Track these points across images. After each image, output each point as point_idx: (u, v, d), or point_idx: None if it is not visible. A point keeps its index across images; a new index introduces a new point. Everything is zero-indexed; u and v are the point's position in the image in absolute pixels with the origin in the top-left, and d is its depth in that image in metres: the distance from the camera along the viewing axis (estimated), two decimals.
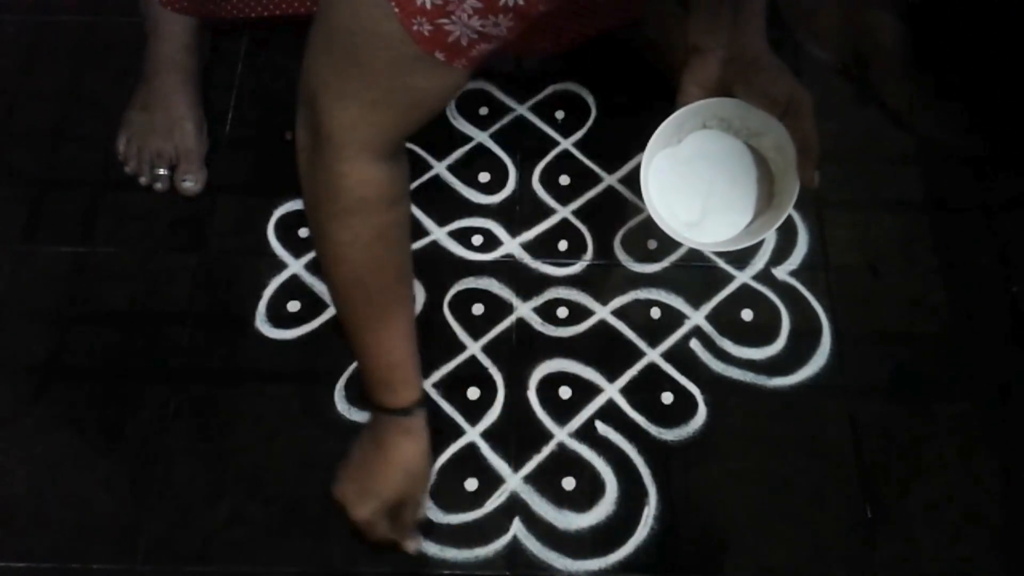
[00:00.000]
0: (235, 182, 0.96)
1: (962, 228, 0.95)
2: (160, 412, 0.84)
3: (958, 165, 0.98)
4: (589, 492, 0.80)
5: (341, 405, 0.84)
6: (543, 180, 0.96)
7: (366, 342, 0.72)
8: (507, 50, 0.91)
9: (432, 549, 0.78)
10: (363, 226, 0.65)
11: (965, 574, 0.78)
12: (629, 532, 0.79)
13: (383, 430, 0.75)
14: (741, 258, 0.92)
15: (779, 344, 0.87)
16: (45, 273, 0.91)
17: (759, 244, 0.92)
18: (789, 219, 0.93)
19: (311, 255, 0.91)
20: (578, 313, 0.89)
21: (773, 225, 0.78)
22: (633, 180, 0.96)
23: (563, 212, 0.94)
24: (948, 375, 0.86)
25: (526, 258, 0.92)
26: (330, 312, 0.88)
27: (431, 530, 0.78)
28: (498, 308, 0.89)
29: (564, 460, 0.82)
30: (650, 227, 0.93)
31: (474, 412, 0.84)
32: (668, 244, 0.91)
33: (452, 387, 0.85)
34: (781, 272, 0.91)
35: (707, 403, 0.84)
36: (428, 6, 0.54)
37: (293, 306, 0.89)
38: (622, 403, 0.84)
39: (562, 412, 0.84)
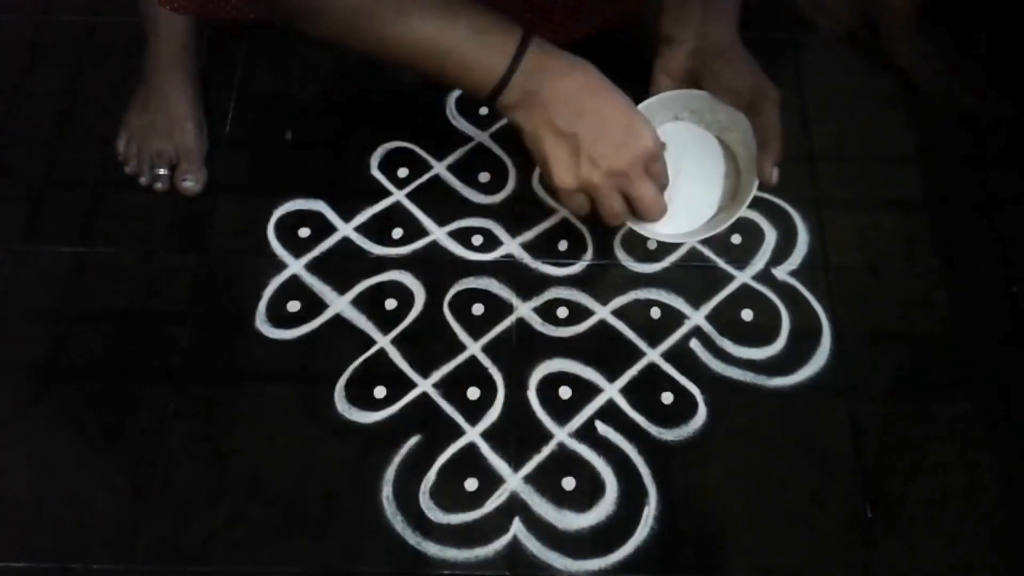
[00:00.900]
0: (235, 182, 0.96)
1: (962, 228, 0.95)
2: (160, 412, 0.84)
3: (958, 165, 0.98)
4: (589, 492, 0.80)
5: (341, 405, 0.84)
6: (543, 180, 0.96)
7: (427, 35, 0.63)
8: None
9: (432, 549, 0.78)
10: None
11: (965, 574, 0.78)
12: (629, 532, 0.79)
13: (551, 74, 0.65)
14: (741, 258, 0.92)
15: (779, 344, 0.87)
16: (45, 273, 0.91)
17: (759, 244, 0.92)
18: (789, 219, 0.94)
19: (311, 255, 0.91)
20: (578, 313, 0.89)
21: (728, 221, 0.78)
22: None
23: (563, 212, 0.94)
24: (948, 375, 0.86)
25: (526, 258, 0.92)
26: (330, 312, 0.88)
27: (431, 530, 0.79)
28: (498, 308, 0.89)
29: (564, 460, 0.82)
30: None
31: (474, 412, 0.84)
32: (663, 243, 0.91)
33: (452, 387, 0.85)
34: (781, 272, 0.91)
35: (707, 403, 0.84)
36: None
37: (293, 306, 0.89)
38: (622, 403, 0.84)
39: (562, 412, 0.84)
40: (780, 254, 0.92)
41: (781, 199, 0.95)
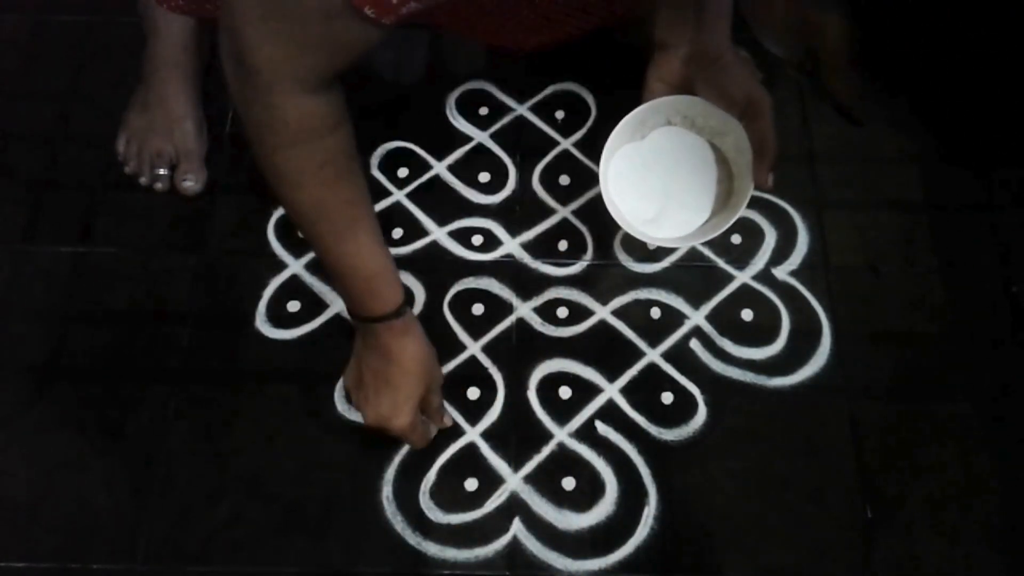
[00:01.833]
0: (235, 182, 0.96)
1: (962, 228, 0.95)
2: (160, 412, 0.84)
3: (958, 165, 0.98)
4: (589, 492, 0.80)
5: (341, 405, 0.84)
6: (543, 180, 0.96)
7: (339, 257, 0.72)
8: (501, 45, 0.91)
9: (432, 549, 0.78)
10: (310, 155, 0.66)
11: (965, 574, 0.78)
12: (629, 532, 0.79)
13: (383, 343, 0.75)
14: (741, 258, 0.92)
15: (779, 344, 0.87)
16: (45, 273, 0.91)
17: (759, 244, 0.92)
18: (789, 219, 0.94)
19: (311, 255, 0.91)
20: (578, 313, 0.89)
21: (724, 225, 0.79)
22: None
23: (563, 212, 0.94)
24: (948, 375, 0.86)
25: (526, 258, 0.92)
26: (330, 312, 0.88)
27: (431, 530, 0.79)
28: (498, 308, 0.89)
29: (564, 460, 0.82)
30: None
31: (474, 412, 0.84)
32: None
33: (452, 387, 0.85)
34: (781, 272, 0.91)
35: (707, 403, 0.84)
36: None
37: (293, 306, 0.89)
38: (622, 403, 0.84)
39: (562, 412, 0.84)
40: (780, 254, 0.92)
41: (781, 199, 0.95)
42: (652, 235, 0.81)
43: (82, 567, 0.77)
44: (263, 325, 0.88)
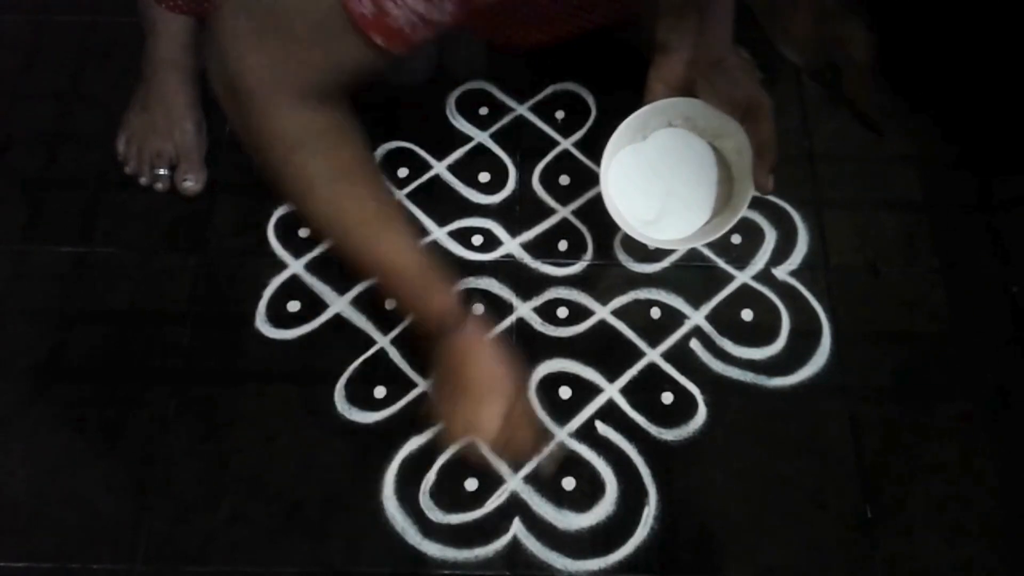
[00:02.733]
0: (235, 182, 0.96)
1: (962, 228, 0.95)
2: (160, 412, 0.84)
3: (958, 165, 0.98)
4: (589, 492, 0.80)
5: (341, 405, 0.84)
6: (543, 180, 0.96)
7: (382, 259, 0.69)
8: (502, 41, 0.91)
9: (432, 549, 0.78)
10: (321, 159, 0.63)
11: (965, 574, 0.78)
12: (629, 532, 0.79)
13: (454, 354, 0.74)
14: (741, 258, 0.92)
15: (779, 344, 0.87)
16: (45, 273, 0.91)
17: (759, 244, 0.92)
18: (789, 219, 0.94)
19: (311, 255, 0.91)
20: (578, 313, 0.89)
21: (725, 227, 0.80)
22: None
23: (563, 212, 0.94)
24: (948, 375, 0.86)
25: (526, 258, 0.92)
26: (330, 312, 0.88)
27: (431, 530, 0.79)
28: (498, 308, 0.89)
29: (564, 460, 0.82)
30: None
31: None
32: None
33: None
34: (781, 272, 0.91)
35: (707, 403, 0.84)
36: None
37: (293, 306, 0.89)
38: (622, 403, 0.84)
39: (562, 412, 0.84)
40: (780, 254, 0.92)
41: (781, 199, 0.95)
42: (652, 236, 0.82)
43: (82, 567, 0.77)
44: (263, 325, 0.88)
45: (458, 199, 0.95)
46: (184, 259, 0.91)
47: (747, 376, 0.86)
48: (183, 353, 0.86)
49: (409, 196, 0.95)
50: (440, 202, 0.95)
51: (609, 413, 0.84)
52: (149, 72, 0.95)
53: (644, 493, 0.80)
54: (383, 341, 0.87)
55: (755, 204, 0.94)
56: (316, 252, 0.91)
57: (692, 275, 0.91)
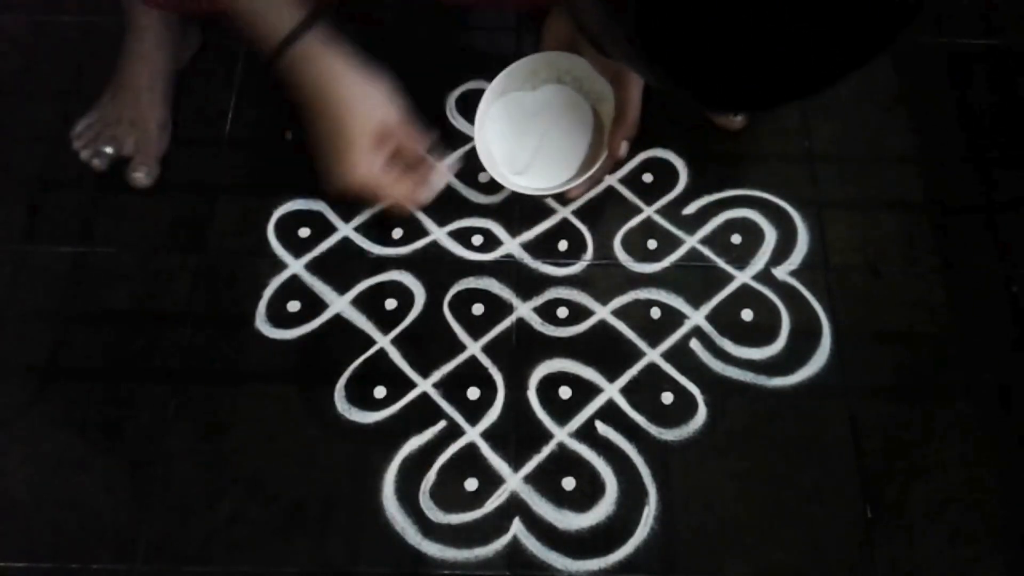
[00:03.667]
0: (235, 182, 0.96)
1: (962, 228, 0.95)
2: (160, 412, 0.84)
3: (958, 165, 0.98)
4: (589, 492, 0.80)
5: (341, 405, 0.84)
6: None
7: None
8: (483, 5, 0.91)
9: (432, 549, 0.78)
10: None
11: (965, 574, 0.78)
12: (629, 532, 0.79)
13: (306, 82, 0.68)
14: (741, 258, 0.92)
15: (779, 344, 0.87)
16: (45, 273, 0.91)
17: (759, 244, 0.92)
18: (789, 219, 0.94)
19: (311, 255, 0.91)
20: (578, 313, 0.89)
21: (570, 185, 0.84)
22: (635, 180, 0.96)
23: (563, 212, 0.94)
24: (948, 375, 0.86)
25: (526, 258, 0.92)
26: (330, 312, 0.88)
27: (431, 530, 0.79)
28: (498, 308, 0.89)
29: (564, 460, 0.82)
30: (650, 227, 0.93)
31: (474, 412, 0.84)
32: (665, 243, 0.92)
33: (452, 387, 0.85)
34: (781, 272, 0.91)
35: (707, 403, 0.84)
36: None
37: (293, 306, 0.89)
38: (622, 403, 0.84)
39: (562, 412, 0.84)
40: (780, 254, 0.92)
41: (781, 199, 0.95)
42: (516, 182, 0.85)
43: (82, 567, 0.77)
44: (263, 325, 0.88)
45: (458, 199, 0.95)
46: (184, 259, 0.91)
47: (747, 376, 0.86)
48: (183, 353, 0.86)
49: None
50: (440, 202, 0.94)
51: (609, 413, 0.84)
52: (122, 65, 0.95)
53: (644, 493, 0.80)
54: (383, 341, 0.87)
55: (755, 204, 0.94)
56: (316, 252, 0.91)
57: (692, 275, 0.91)
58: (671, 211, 0.94)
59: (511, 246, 0.92)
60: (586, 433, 0.83)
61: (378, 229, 0.93)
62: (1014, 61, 1.05)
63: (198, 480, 0.81)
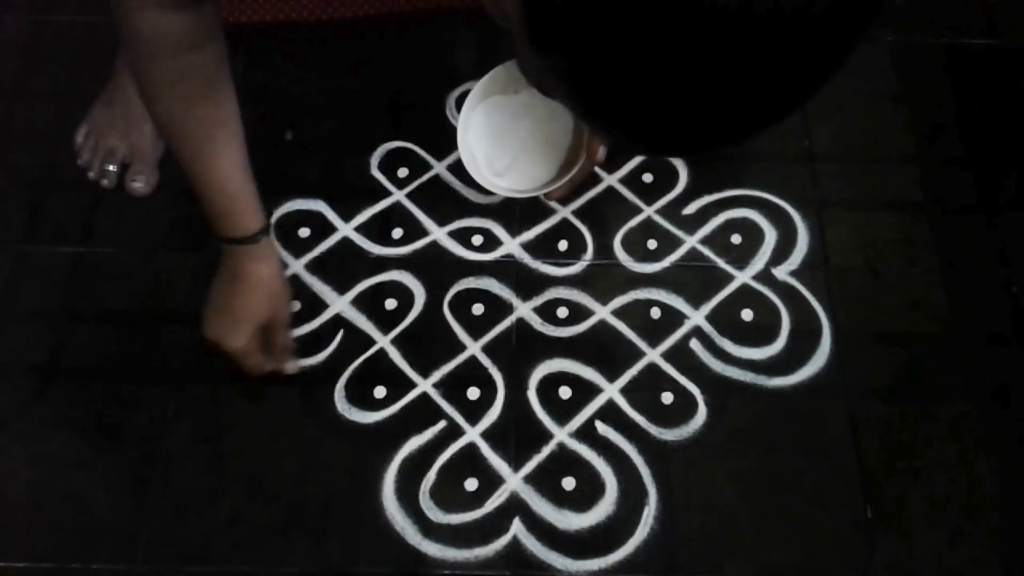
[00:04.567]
0: None
1: (962, 228, 0.95)
2: (160, 412, 0.83)
3: (958, 165, 0.98)
4: (589, 492, 0.80)
5: (341, 405, 0.84)
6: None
7: (198, 173, 0.74)
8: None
9: (432, 549, 0.78)
10: (164, 69, 0.67)
11: (965, 574, 0.78)
12: (629, 532, 0.79)
13: (236, 263, 0.79)
14: (741, 258, 0.92)
15: (779, 344, 0.87)
16: (45, 273, 0.90)
17: (759, 244, 0.92)
18: (789, 219, 0.94)
19: (311, 255, 0.91)
20: (578, 313, 0.89)
21: (551, 187, 0.85)
22: (634, 180, 0.96)
23: (563, 212, 0.94)
24: (948, 375, 0.86)
25: (526, 258, 0.92)
26: (330, 312, 0.88)
27: (431, 530, 0.79)
28: (498, 308, 0.89)
29: (564, 460, 0.82)
30: (650, 227, 0.93)
31: (474, 412, 0.84)
32: (665, 242, 0.92)
33: (452, 387, 0.85)
34: (781, 272, 0.91)
35: (707, 403, 0.84)
36: None
37: (293, 306, 0.88)
38: (622, 403, 0.84)
39: (562, 412, 0.84)
40: (780, 254, 0.92)
41: (781, 199, 0.95)
42: (497, 183, 0.86)
43: (82, 567, 0.77)
44: None
45: (458, 199, 0.95)
46: (184, 259, 0.91)
47: (747, 376, 0.86)
48: (183, 353, 0.86)
49: (409, 196, 0.95)
50: (440, 202, 0.95)
51: (609, 413, 0.84)
52: (118, 69, 0.95)
53: (644, 493, 0.80)
54: (383, 341, 0.87)
55: (755, 204, 0.94)
56: (316, 252, 0.92)
57: (692, 275, 0.91)
58: (671, 211, 0.94)
59: (511, 246, 0.92)
60: (586, 433, 0.83)
61: (378, 229, 0.93)
62: (1014, 61, 1.05)
63: (198, 480, 0.81)
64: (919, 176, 0.97)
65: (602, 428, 0.83)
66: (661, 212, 0.94)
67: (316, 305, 0.89)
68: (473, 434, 0.83)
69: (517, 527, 0.79)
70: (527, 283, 0.90)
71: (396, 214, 0.94)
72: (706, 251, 0.92)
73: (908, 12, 1.08)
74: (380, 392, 0.84)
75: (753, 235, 0.93)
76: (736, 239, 0.93)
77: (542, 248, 0.92)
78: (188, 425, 0.83)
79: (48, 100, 1.00)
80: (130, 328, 0.88)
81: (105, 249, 0.92)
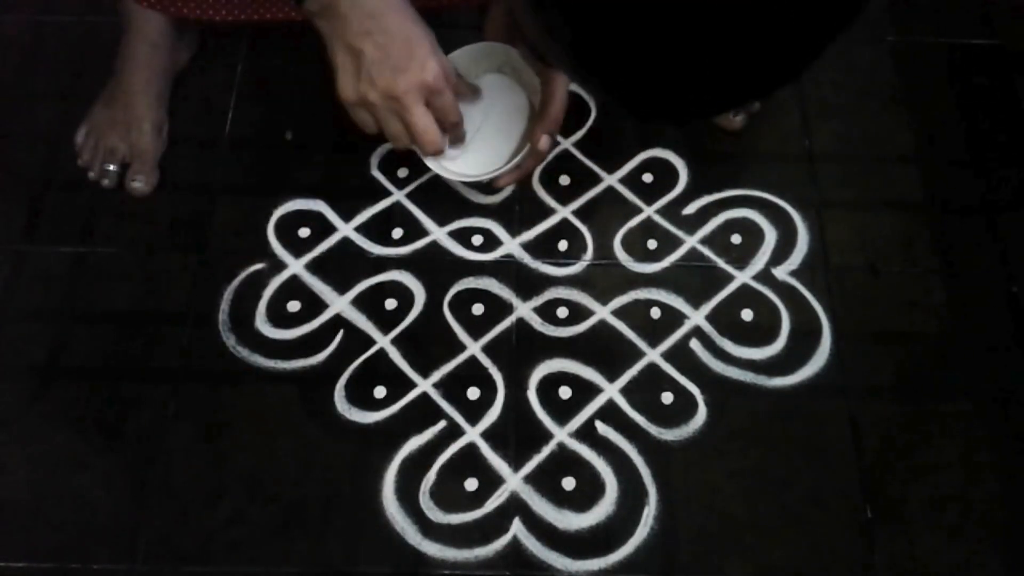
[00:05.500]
0: (235, 182, 0.96)
1: (962, 228, 0.95)
2: (160, 412, 0.84)
3: (958, 165, 0.98)
4: (589, 492, 0.80)
5: (341, 405, 0.84)
6: (543, 180, 0.96)
7: None
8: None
9: (432, 549, 0.78)
10: None
11: (965, 574, 0.78)
12: (629, 532, 0.79)
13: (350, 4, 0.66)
14: (741, 258, 0.92)
15: (779, 344, 0.87)
16: (45, 273, 0.91)
17: (759, 244, 0.92)
18: (789, 219, 0.94)
19: (311, 255, 0.91)
20: (578, 313, 0.89)
21: (495, 174, 0.81)
22: (634, 180, 0.96)
23: (563, 212, 0.94)
24: (948, 375, 0.86)
25: (526, 258, 0.92)
26: (330, 312, 0.88)
27: (431, 530, 0.79)
28: (498, 308, 0.89)
29: (564, 460, 0.82)
30: (650, 227, 0.93)
31: (474, 412, 0.84)
32: (665, 243, 0.92)
33: (452, 387, 0.85)
34: (781, 272, 0.91)
35: (707, 403, 0.84)
36: None
37: (293, 306, 0.89)
38: (622, 403, 0.84)
39: (562, 412, 0.84)
40: (780, 254, 0.92)
41: (781, 199, 0.95)
42: (452, 168, 0.82)
43: (82, 567, 0.77)
44: (263, 325, 0.88)
45: (458, 199, 0.95)
46: (184, 259, 0.91)
47: (747, 376, 0.86)
48: (183, 353, 0.86)
49: (409, 196, 0.95)
50: (440, 202, 0.95)
51: (609, 413, 0.84)
52: (119, 67, 0.95)
53: (644, 493, 0.80)
54: (383, 341, 0.87)
55: (755, 204, 0.94)
56: (316, 252, 0.92)
57: (692, 275, 0.91)
58: (671, 211, 0.94)
59: (511, 246, 0.92)
60: (586, 433, 0.83)
61: (378, 229, 0.93)
62: (1014, 61, 1.05)
63: (198, 480, 0.81)
64: (919, 176, 0.97)
65: (602, 428, 0.83)
66: (661, 212, 0.94)
67: (316, 305, 0.89)
68: (473, 434, 0.83)
69: (517, 527, 0.79)
70: (527, 283, 0.90)
71: (396, 214, 0.94)
72: (706, 251, 0.92)
73: (908, 12, 1.08)
74: (380, 392, 0.84)
75: (753, 235, 0.93)
76: (736, 239, 0.93)
77: (542, 248, 0.92)
78: (188, 425, 0.83)
79: (48, 100, 1.00)
80: (130, 328, 0.88)
81: (105, 249, 0.92)
